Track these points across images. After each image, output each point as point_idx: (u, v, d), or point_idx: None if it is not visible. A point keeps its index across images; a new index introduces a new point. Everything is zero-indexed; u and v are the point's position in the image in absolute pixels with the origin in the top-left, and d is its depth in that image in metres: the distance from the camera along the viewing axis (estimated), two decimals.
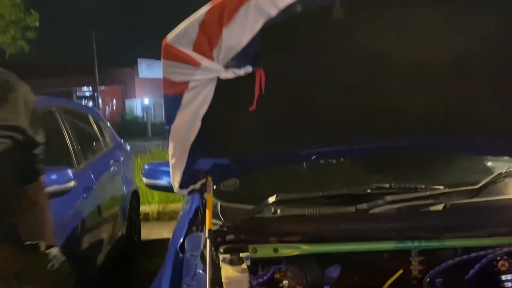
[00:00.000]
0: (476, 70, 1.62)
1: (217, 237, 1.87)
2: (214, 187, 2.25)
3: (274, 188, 2.14)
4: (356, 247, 1.80)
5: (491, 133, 1.86)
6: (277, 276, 1.79)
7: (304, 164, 2.40)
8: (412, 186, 2.04)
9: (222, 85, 1.49)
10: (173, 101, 1.47)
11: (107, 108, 29.66)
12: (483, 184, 2.04)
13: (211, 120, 1.60)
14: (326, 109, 1.73)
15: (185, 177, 1.79)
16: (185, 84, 1.40)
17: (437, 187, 2.03)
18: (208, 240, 1.67)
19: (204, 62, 1.34)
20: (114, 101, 30.92)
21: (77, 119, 3.90)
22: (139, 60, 29.79)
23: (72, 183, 2.57)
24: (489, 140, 1.90)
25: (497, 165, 2.28)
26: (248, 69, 1.42)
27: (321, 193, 2.02)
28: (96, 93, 28.25)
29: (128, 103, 30.56)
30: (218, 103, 1.55)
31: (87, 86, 28.94)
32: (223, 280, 1.62)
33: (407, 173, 2.25)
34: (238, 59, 1.40)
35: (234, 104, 1.63)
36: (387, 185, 2.04)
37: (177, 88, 1.41)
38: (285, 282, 1.71)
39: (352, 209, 1.91)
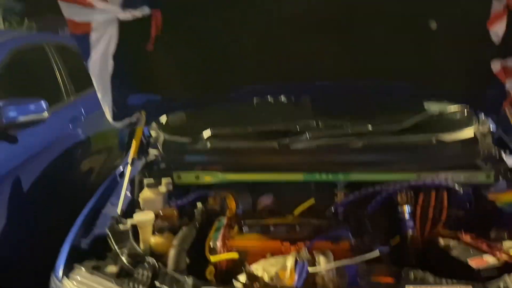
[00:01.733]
0: (378, 21, 1.69)
1: (152, 165, 2.09)
2: (165, 121, 2.45)
3: (217, 123, 2.32)
4: (267, 177, 1.97)
5: (396, 78, 1.94)
6: (211, 201, 2.00)
7: (254, 103, 2.54)
8: (337, 124, 2.16)
9: (133, 26, 1.63)
10: (84, 40, 1.63)
11: None
12: (405, 125, 2.14)
13: (127, 59, 1.76)
14: (239, 54, 1.86)
15: (117, 111, 1.97)
16: (87, 24, 1.55)
17: (362, 126, 2.14)
18: (128, 166, 1.90)
19: (98, 4, 1.48)
20: None
21: (70, 56, 4.10)
22: None
23: (45, 114, 2.79)
24: (395, 85, 1.99)
25: (430, 107, 2.35)
26: (145, 10, 1.55)
27: (250, 129, 2.18)
28: None
29: None
30: (133, 42, 1.71)
31: None
32: (139, 200, 1.85)
33: (341, 112, 2.35)
34: (136, 1, 1.53)
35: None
36: (314, 123, 2.17)
37: (82, 28, 1.57)
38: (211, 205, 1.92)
39: (275, 143, 2.07)
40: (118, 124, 2.06)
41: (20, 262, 2.63)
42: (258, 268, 1.55)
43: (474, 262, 1.50)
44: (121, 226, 1.69)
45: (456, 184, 1.87)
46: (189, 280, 1.36)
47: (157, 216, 1.75)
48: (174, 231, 1.72)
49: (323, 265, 1.50)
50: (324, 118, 2.22)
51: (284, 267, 1.52)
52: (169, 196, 1.95)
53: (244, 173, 1.98)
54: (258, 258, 1.66)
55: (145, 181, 1.91)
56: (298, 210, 1.98)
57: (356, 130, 2.12)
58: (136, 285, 1.38)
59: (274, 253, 1.67)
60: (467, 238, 1.68)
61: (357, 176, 1.96)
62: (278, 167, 1.98)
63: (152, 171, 2.00)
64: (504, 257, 1.52)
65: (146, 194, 1.85)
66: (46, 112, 2.80)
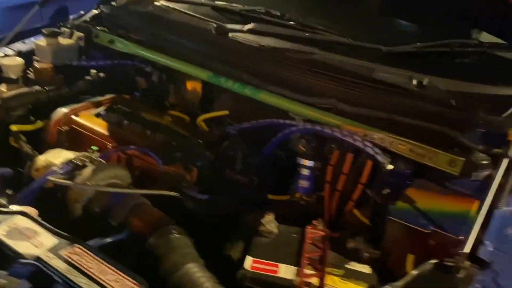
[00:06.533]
0: None
1: (98, 18, 1.87)
2: None
3: None
4: (176, 64, 1.56)
5: None
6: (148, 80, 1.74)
7: None
8: (310, 23, 1.53)
9: None
10: None
11: None
12: (393, 50, 1.38)
13: None
14: None
15: None
16: None
17: (337, 35, 1.48)
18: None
19: None
20: None
21: None
22: None
23: None
24: None
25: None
26: None
27: (208, 2, 1.71)
28: None
29: None
30: None
31: None
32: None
33: (339, 12, 1.66)
34: None
35: None
36: (278, 13, 1.58)
37: None
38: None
39: (212, 26, 1.59)
40: None
41: None
42: (47, 154, 1.30)
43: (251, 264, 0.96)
44: None
45: (383, 156, 1.18)
46: None
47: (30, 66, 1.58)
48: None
49: (80, 178, 1.15)
50: (301, 12, 1.60)
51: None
52: (81, 54, 1.74)
53: (155, 52, 1.61)
54: (87, 145, 1.39)
55: (54, 30, 1.70)
56: (202, 117, 1.56)
57: (323, 38, 1.47)
58: None
59: (100, 148, 1.37)
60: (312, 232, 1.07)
61: (268, 99, 1.40)
62: (194, 57, 1.55)
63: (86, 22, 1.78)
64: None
65: (40, 41, 1.66)
66: None
